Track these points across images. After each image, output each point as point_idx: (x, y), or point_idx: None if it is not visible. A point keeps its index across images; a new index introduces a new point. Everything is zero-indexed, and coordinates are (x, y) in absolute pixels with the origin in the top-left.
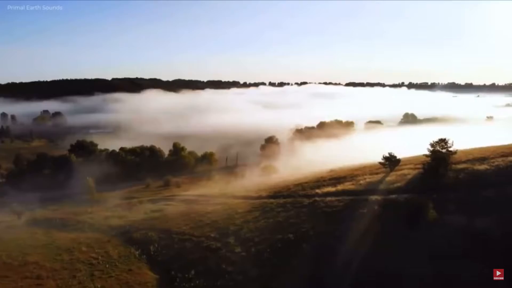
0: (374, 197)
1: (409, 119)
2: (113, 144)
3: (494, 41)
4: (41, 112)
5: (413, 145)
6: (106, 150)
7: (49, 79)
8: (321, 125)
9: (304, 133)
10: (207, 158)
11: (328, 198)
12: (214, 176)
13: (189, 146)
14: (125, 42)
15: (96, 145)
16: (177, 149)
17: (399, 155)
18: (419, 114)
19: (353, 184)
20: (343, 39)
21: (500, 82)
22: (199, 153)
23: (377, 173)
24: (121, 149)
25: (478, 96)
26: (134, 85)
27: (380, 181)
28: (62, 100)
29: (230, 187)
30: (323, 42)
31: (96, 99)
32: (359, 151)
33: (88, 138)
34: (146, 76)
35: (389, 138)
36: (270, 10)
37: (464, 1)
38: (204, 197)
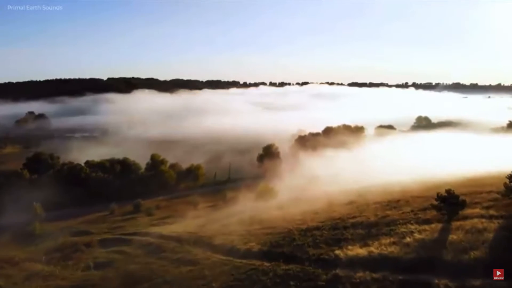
0: (441, 282)
1: (422, 123)
2: (94, 152)
3: (497, 41)
4: (26, 113)
5: (444, 158)
6: (70, 163)
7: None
8: (328, 130)
9: (308, 140)
10: (193, 172)
11: (359, 274)
12: (197, 201)
13: (176, 154)
14: (125, 42)
15: (57, 158)
16: (155, 162)
17: (435, 175)
18: (432, 117)
19: (394, 242)
20: (343, 39)
21: (506, 82)
22: (187, 162)
23: (427, 220)
24: (87, 163)
25: (489, 97)
26: (129, 85)
27: (440, 242)
28: (50, 101)
29: (211, 223)
30: (323, 42)
31: (87, 100)
32: (377, 165)
33: (70, 143)
34: (144, 76)
35: (407, 147)
36: (272, 10)
37: (465, 1)
38: (174, 240)
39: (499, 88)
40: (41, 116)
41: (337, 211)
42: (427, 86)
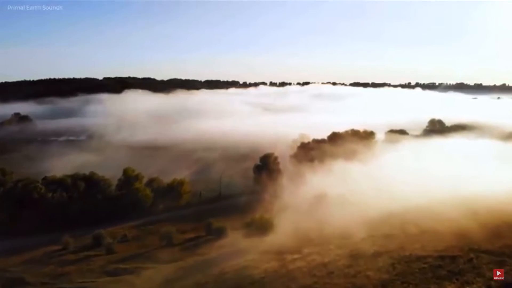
0: None
1: (436, 126)
2: (71, 160)
3: (500, 41)
4: (12, 115)
5: (482, 174)
6: (26, 180)
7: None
8: (334, 137)
9: (312, 148)
10: (175, 189)
11: None
12: (172, 232)
13: (161, 162)
14: (127, 43)
15: (9, 173)
16: (128, 179)
17: (481, 200)
18: (445, 120)
19: None
20: (343, 39)
21: (511, 83)
22: (171, 174)
23: None
24: (44, 179)
25: (499, 98)
26: (125, 84)
27: None
28: (39, 102)
29: (181, 278)
30: (324, 42)
31: (78, 100)
32: (401, 183)
33: (50, 149)
34: (142, 75)
35: (429, 157)
36: (274, 11)
37: (466, 1)
38: None
39: (504, 89)
40: (25, 118)
41: (362, 271)
42: (431, 86)
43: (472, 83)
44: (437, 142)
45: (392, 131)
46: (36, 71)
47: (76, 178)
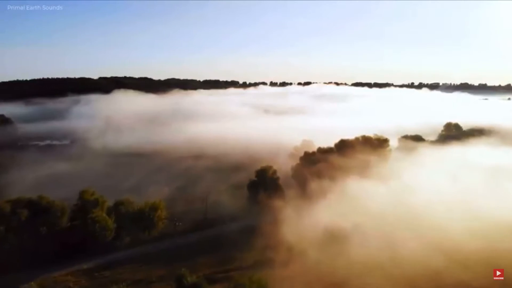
0: None
1: (452, 131)
2: (43, 169)
3: (502, 41)
4: None
5: None
6: None
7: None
8: (342, 145)
9: (318, 160)
10: (147, 216)
11: None
12: None
13: (142, 172)
14: (128, 43)
15: None
16: (86, 204)
17: None
18: (461, 123)
19: None
20: (344, 39)
21: None
22: (150, 188)
23: None
24: None
25: (509, 99)
26: (120, 84)
27: None
28: (27, 103)
29: None
30: (325, 42)
31: (67, 101)
32: (437, 214)
33: (25, 155)
34: (140, 75)
35: (456, 171)
36: (276, 11)
37: (468, 1)
38: None
39: (509, 89)
40: (6, 120)
41: None
42: (434, 86)
43: (476, 83)
44: (459, 150)
45: (406, 137)
46: (34, 71)
47: (18, 204)
